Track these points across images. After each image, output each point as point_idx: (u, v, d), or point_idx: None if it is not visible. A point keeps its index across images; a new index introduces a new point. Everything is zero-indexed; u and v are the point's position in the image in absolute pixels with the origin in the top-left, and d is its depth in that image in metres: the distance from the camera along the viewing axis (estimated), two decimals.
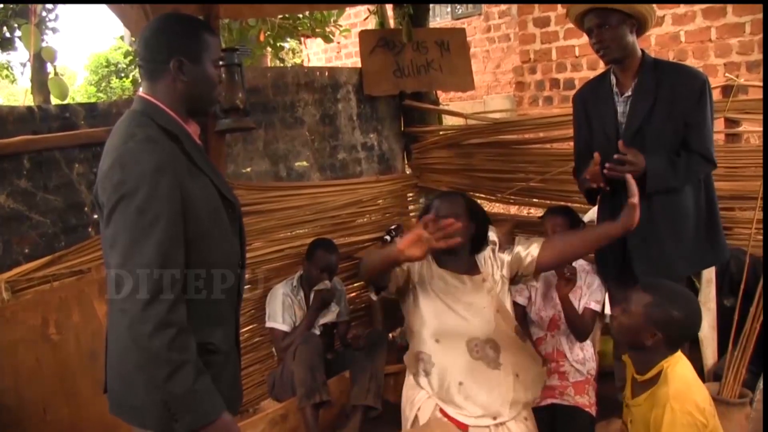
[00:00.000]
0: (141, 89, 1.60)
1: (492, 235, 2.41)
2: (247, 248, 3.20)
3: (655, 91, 2.34)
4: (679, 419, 1.72)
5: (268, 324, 3.10)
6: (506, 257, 2.34)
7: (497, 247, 2.38)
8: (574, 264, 2.74)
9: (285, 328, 3.05)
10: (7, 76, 11.33)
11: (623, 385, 2.32)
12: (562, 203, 3.62)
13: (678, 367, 1.85)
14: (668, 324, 1.82)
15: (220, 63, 3.02)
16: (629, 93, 2.39)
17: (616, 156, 2.33)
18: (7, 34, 7.59)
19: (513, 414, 2.19)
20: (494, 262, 2.35)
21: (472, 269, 2.32)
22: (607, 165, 2.37)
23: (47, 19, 7.89)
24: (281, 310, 3.06)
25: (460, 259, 2.30)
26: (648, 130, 2.35)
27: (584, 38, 6.09)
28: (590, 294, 2.71)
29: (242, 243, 1.76)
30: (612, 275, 2.64)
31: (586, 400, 2.65)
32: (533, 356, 2.41)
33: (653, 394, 1.84)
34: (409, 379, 2.33)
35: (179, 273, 1.45)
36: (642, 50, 2.40)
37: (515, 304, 2.83)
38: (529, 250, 2.28)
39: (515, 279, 2.36)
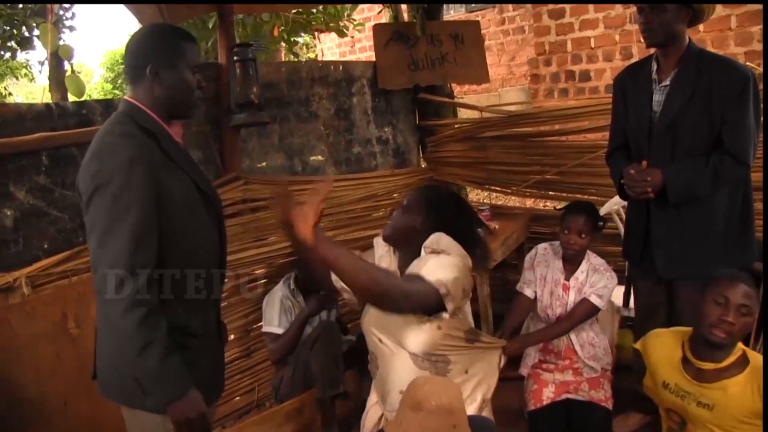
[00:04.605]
0: (127, 93, 1.73)
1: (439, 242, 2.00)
2: (263, 243, 3.25)
3: (694, 84, 2.26)
4: None
5: (265, 329, 2.98)
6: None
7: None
8: (591, 261, 2.71)
9: (281, 332, 2.95)
10: (25, 75, 11.45)
11: (641, 377, 2.30)
12: (578, 196, 3.60)
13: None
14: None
15: (235, 59, 3.06)
16: (667, 82, 2.33)
17: (632, 171, 2.31)
18: (26, 34, 7.65)
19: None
20: None
21: None
22: (623, 181, 2.37)
23: (64, 17, 7.95)
24: (279, 313, 2.96)
25: (405, 255, 2.07)
26: (682, 124, 2.28)
27: (600, 29, 6.01)
28: (592, 290, 2.65)
29: (222, 238, 1.86)
30: (635, 264, 2.62)
31: (602, 395, 2.63)
32: (487, 354, 2.15)
33: (756, 369, 1.96)
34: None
35: (151, 257, 1.56)
36: (689, 39, 2.32)
37: (523, 295, 2.81)
38: None
39: None
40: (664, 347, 2.15)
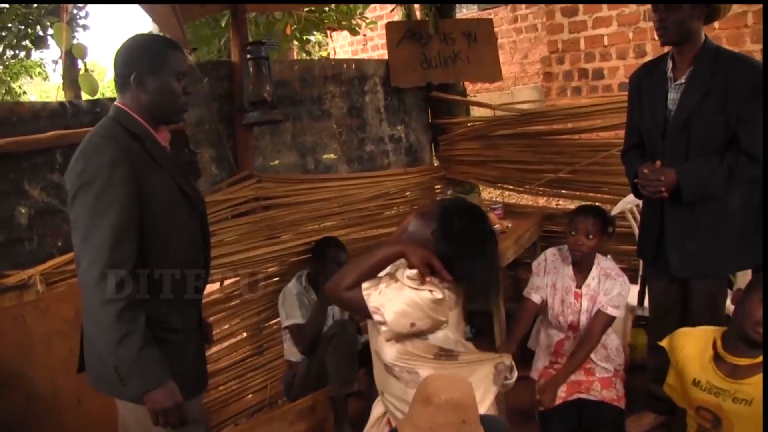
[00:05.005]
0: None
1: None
2: (275, 241, 3.25)
3: (709, 82, 2.23)
4: None
5: (288, 322, 2.97)
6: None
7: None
8: (602, 265, 2.68)
9: (304, 322, 2.95)
10: (39, 73, 11.56)
11: (659, 376, 2.28)
12: (591, 195, 3.58)
13: None
14: None
15: (248, 57, 3.06)
16: (683, 80, 2.30)
17: (646, 170, 2.29)
18: (40, 33, 7.71)
19: None
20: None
21: None
22: (636, 181, 2.35)
23: (78, 16, 8.00)
24: (298, 306, 2.97)
25: None
26: (697, 122, 2.25)
27: (613, 27, 5.99)
28: (608, 300, 2.60)
29: (205, 238, 1.95)
30: (649, 263, 2.60)
31: (614, 394, 2.61)
32: (478, 368, 1.98)
33: None
34: None
35: (131, 253, 1.65)
36: (706, 36, 2.29)
37: (530, 301, 2.77)
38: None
39: None
40: (693, 345, 2.10)
